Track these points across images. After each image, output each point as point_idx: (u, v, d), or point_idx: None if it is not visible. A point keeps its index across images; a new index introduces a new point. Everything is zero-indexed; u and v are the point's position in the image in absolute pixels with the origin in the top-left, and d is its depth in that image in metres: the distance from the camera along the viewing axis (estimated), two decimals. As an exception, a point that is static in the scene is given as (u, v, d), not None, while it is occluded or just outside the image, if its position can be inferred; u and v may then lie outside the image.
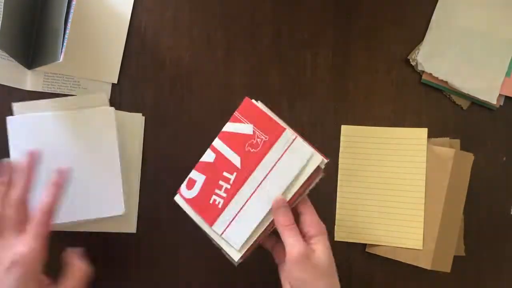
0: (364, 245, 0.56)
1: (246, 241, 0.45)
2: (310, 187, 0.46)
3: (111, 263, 0.57)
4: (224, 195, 0.46)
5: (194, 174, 0.49)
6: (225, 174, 0.47)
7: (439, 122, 0.57)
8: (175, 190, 0.58)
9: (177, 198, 0.49)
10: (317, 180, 0.46)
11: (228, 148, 0.48)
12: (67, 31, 0.51)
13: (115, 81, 0.57)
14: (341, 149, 0.57)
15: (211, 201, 0.47)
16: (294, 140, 0.45)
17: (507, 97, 0.57)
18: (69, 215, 0.55)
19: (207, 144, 0.57)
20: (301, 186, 0.45)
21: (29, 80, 0.57)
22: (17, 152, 0.55)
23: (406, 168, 0.56)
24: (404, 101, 0.57)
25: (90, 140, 0.55)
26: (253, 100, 0.48)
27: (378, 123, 0.57)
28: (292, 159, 0.45)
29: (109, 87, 0.57)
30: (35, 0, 0.56)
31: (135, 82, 0.58)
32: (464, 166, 0.55)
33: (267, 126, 0.46)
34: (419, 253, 0.54)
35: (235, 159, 0.47)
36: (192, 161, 0.57)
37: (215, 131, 0.57)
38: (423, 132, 0.56)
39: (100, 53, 0.57)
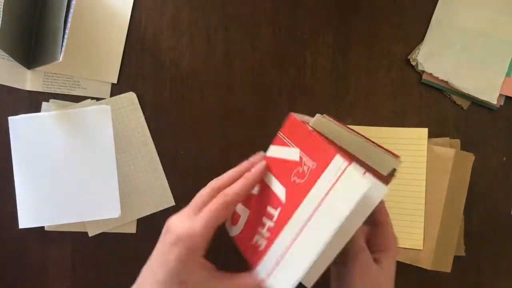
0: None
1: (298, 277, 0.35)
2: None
3: (111, 263, 0.57)
4: (268, 234, 0.38)
5: (238, 207, 0.42)
6: (269, 209, 0.39)
7: (439, 122, 0.57)
8: (175, 189, 0.58)
9: (230, 233, 0.43)
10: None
11: (274, 177, 0.40)
12: (67, 31, 0.51)
13: (115, 81, 0.57)
14: None
15: (254, 241, 0.39)
16: (346, 168, 0.34)
17: (507, 97, 0.56)
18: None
19: (207, 144, 0.57)
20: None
21: (29, 80, 0.57)
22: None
23: (406, 168, 0.55)
24: (404, 101, 0.57)
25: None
26: (307, 117, 0.41)
27: (378, 123, 0.57)
28: (343, 192, 0.34)
29: (109, 87, 0.57)
30: (35, 0, 0.56)
31: (135, 82, 0.57)
32: (464, 166, 0.55)
33: (315, 149, 0.37)
34: (419, 253, 0.54)
35: (281, 191, 0.39)
36: (192, 161, 0.57)
37: (215, 131, 0.58)
38: (423, 132, 0.56)
39: (100, 53, 0.57)
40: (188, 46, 0.58)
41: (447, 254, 0.55)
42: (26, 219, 0.55)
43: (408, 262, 0.55)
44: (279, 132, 0.41)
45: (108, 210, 0.54)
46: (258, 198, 0.40)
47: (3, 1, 0.51)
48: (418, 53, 0.57)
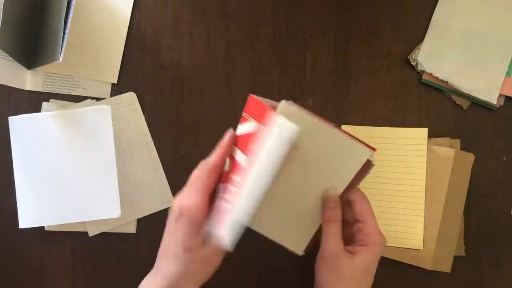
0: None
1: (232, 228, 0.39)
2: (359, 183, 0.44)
3: (111, 263, 0.57)
4: (230, 198, 0.42)
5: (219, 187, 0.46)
6: (234, 178, 0.43)
7: (439, 122, 0.57)
8: (175, 189, 0.58)
9: None
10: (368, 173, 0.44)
11: (238, 150, 0.45)
12: (67, 31, 0.51)
13: (115, 81, 0.57)
14: None
15: (222, 210, 0.42)
16: (276, 116, 0.39)
17: (507, 97, 0.56)
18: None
19: (207, 143, 0.57)
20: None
21: (29, 80, 0.57)
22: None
23: (406, 168, 0.56)
24: (404, 101, 0.57)
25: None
26: (271, 101, 0.45)
27: (378, 123, 0.57)
28: (276, 136, 0.39)
29: (109, 87, 0.57)
30: (35, 0, 0.56)
31: (135, 82, 0.58)
32: (464, 166, 0.55)
33: (263, 115, 0.41)
34: (419, 253, 0.54)
35: (243, 160, 0.43)
36: (192, 161, 0.57)
37: (215, 131, 0.57)
38: (423, 132, 0.56)
39: (100, 53, 0.57)
40: (188, 46, 0.58)
41: (447, 254, 0.55)
42: (26, 219, 0.55)
43: (408, 262, 0.55)
44: (243, 112, 0.46)
45: (108, 210, 0.54)
46: (228, 173, 0.45)
47: (3, 1, 0.51)
48: (418, 53, 0.57)
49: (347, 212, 0.45)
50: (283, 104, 0.41)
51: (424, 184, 0.55)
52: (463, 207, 0.55)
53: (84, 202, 0.55)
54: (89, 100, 0.57)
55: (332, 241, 0.43)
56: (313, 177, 0.44)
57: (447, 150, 0.55)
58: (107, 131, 0.55)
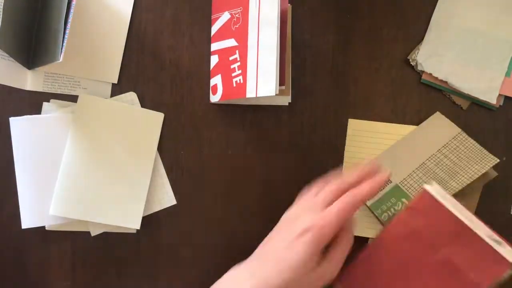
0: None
1: (276, 74, 0.49)
2: None
3: (111, 263, 0.57)
4: (240, 71, 0.52)
5: (212, 81, 0.55)
6: (231, 58, 0.53)
7: (439, 122, 0.57)
8: (175, 188, 0.58)
9: (213, 101, 0.56)
10: None
11: (222, 40, 0.54)
12: (67, 31, 0.51)
13: (115, 81, 0.57)
14: (347, 142, 0.57)
15: (234, 83, 0.53)
16: None
17: (507, 97, 0.57)
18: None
19: (207, 143, 0.58)
20: None
21: (29, 80, 0.57)
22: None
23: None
24: (404, 101, 0.57)
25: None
26: None
27: (377, 123, 0.57)
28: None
29: (109, 87, 0.57)
30: (35, 0, 0.56)
31: (135, 82, 0.58)
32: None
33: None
34: None
35: (231, 42, 0.53)
36: (192, 160, 0.57)
37: (215, 130, 0.58)
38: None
39: (100, 53, 0.57)
40: (188, 46, 0.58)
41: None
42: (28, 220, 0.55)
43: None
44: (212, 15, 0.57)
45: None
46: (221, 62, 0.54)
47: (3, 1, 0.51)
48: (417, 53, 0.57)
49: None
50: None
51: None
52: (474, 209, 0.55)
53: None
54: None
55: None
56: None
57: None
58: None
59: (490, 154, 0.54)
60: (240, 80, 0.52)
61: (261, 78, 0.51)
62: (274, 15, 0.49)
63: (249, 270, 0.42)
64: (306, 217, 0.41)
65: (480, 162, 0.53)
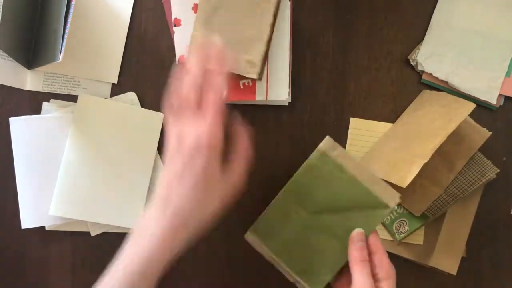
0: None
1: (289, 78, 0.52)
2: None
3: (111, 263, 0.57)
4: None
5: None
6: None
7: (439, 122, 0.57)
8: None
9: None
10: None
11: None
12: (67, 31, 0.51)
13: (115, 81, 0.57)
14: (348, 141, 0.57)
15: (242, 87, 0.52)
16: None
17: (507, 97, 0.57)
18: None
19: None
20: None
21: (29, 80, 0.57)
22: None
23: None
24: (404, 101, 0.57)
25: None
26: None
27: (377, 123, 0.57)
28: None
29: (109, 87, 0.57)
30: (35, 0, 0.56)
31: (135, 82, 0.58)
32: None
33: None
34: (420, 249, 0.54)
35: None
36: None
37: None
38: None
39: (100, 53, 0.57)
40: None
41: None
42: (28, 220, 0.55)
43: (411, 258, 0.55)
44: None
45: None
46: None
47: (2, 1, 0.51)
48: (417, 53, 0.57)
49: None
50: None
51: None
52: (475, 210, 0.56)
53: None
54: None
55: (366, 279, 0.43)
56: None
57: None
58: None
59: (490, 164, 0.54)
60: (248, 82, 0.52)
61: (272, 81, 0.51)
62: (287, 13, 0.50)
63: (161, 201, 0.41)
64: (191, 133, 0.40)
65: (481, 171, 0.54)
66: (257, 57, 0.51)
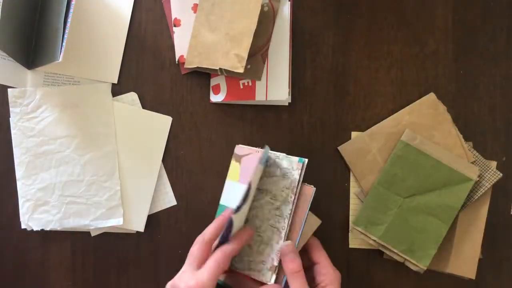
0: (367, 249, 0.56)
1: (288, 78, 0.53)
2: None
3: (111, 263, 0.57)
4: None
5: (212, 81, 0.56)
6: None
7: (439, 122, 0.57)
8: (176, 189, 0.58)
9: (215, 101, 0.56)
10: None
11: None
12: (67, 31, 0.51)
13: (115, 81, 0.57)
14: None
15: (242, 86, 0.54)
16: None
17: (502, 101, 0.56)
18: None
19: (207, 143, 0.58)
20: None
21: (29, 80, 0.57)
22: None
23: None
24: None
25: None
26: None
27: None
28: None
29: (109, 87, 0.57)
30: (35, 0, 0.56)
31: (135, 82, 0.58)
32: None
33: None
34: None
35: None
36: (192, 160, 0.57)
37: (215, 130, 0.58)
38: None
39: (100, 53, 0.57)
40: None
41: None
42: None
43: (457, 273, 0.54)
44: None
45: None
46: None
47: (2, 1, 0.51)
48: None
49: (303, 257, 0.48)
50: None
51: None
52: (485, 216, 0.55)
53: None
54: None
55: None
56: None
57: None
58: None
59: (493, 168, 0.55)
60: (248, 82, 0.52)
61: (272, 81, 0.51)
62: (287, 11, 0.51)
63: None
64: (186, 284, 0.42)
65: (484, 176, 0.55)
66: (244, 51, 0.51)
